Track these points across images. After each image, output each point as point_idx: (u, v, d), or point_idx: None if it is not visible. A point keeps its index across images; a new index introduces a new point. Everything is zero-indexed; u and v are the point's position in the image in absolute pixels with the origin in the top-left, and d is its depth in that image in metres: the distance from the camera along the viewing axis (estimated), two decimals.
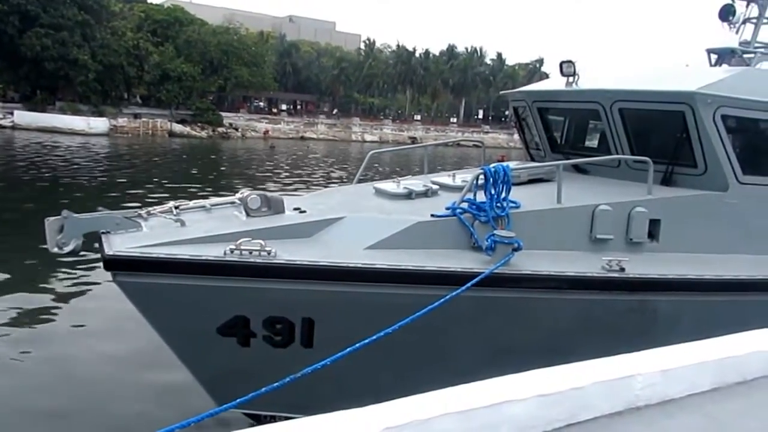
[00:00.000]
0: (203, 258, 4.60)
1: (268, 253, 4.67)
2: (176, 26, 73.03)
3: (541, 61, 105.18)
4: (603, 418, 3.02)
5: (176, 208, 5.39)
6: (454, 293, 4.64)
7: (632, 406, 3.15)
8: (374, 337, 3.90)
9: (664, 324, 5.82)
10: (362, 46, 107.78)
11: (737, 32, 8.56)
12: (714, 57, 8.63)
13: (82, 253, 5.01)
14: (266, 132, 74.74)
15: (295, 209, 5.69)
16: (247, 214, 5.36)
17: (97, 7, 62.03)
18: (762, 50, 8.64)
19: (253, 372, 4.44)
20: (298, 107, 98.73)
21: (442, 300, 4.51)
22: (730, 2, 8.43)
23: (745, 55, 8.46)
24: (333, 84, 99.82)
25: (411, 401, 2.71)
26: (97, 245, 4.83)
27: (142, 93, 72.64)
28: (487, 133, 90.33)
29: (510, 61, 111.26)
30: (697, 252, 6.34)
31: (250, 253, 4.66)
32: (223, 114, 74.64)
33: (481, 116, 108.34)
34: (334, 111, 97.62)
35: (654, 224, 6.22)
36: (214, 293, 4.73)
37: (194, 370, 5.34)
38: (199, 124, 68.89)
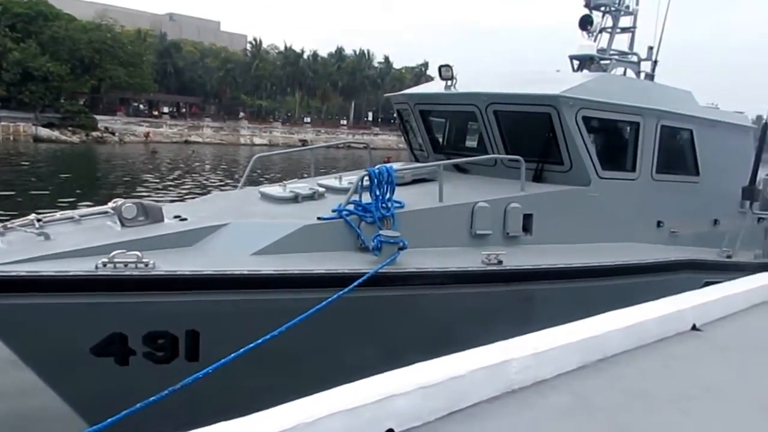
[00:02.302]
0: (72, 273, 4.27)
1: (146, 265, 4.43)
2: (39, 21, 67.12)
3: (426, 65, 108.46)
4: (483, 403, 3.20)
5: (39, 220, 4.93)
6: (337, 294, 4.68)
7: (509, 389, 3.36)
8: (259, 342, 3.85)
9: (540, 310, 6.23)
10: (248, 46, 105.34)
11: (595, 40, 9.37)
12: (576, 63, 9.39)
13: None
14: (147, 135, 70.79)
15: (176, 217, 5.44)
16: (122, 225, 5.04)
17: None
18: (616, 57, 9.53)
19: (135, 392, 4.20)
20: (183, 110, 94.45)
21: (326, 302, 4.53)
22: (588, 13, 9.21)
23: (603, 62, 9.28)
24: (219, 85, 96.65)
25: (297, 404, 2.71)
26: None
27: (2, 94, 65.90)
28: (377, 134, 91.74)
29: (397, 64, 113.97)
30: (566, 242, 6.87)
31: (126, 265, 4.38)
32: (98, 117, 69.64)
33: (371, 118, 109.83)
34: (239, 115, 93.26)
35: (527, 218, 6.64)
36: (85, 311, 4.40)
37: (66, 396, 4.93)
38: (69, 128, 63.79)
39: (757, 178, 9.03)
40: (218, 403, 4.44)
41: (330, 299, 4.58)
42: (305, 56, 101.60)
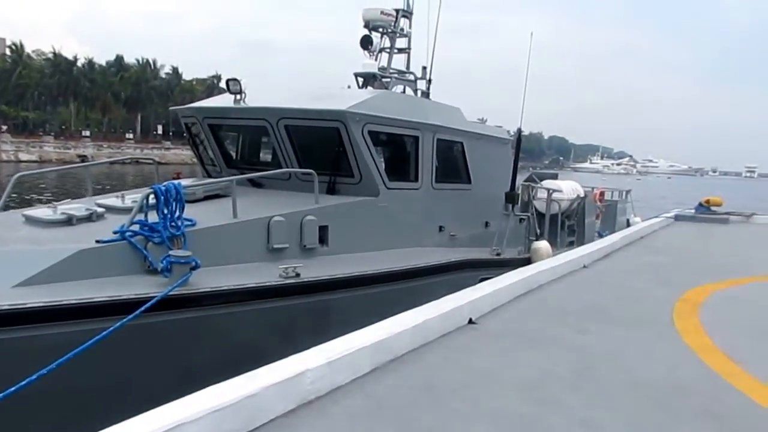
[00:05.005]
0: None
1: None
2: None
3: (218, 77, 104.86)
4: (279, 418, 3.19)
5: None
6: (120, 322, 4.31)
7: (305, 401, 3.40)
8: (22, 384, 3.36)
9: (338, 319, 6.42)
10: (8, 51, 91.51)
11: (376, 59, 9.99)
12: (361, 80, 9.91)
13: None
14: None
15: None
16: None
17: None
18: (396, 75, 10.28)
19: None
20: None
21: (106, 332, 4.14)
22: (368, 33, 9.80)
23: (384, 79, 9.93)
24: None
25: None
26: None
27: None
28: (168, 149, 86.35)
29: (187, 75, 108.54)
30: (360, 251, 7.20)
31: None
32: None
33: (161, 131, 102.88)
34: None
35: (323, 230, 6.82)
36: None
37: None
38: None
39: (516, 184, 10.46)
40: None
41: (111, 329, 4.19)
42: (79, 64, 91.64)
